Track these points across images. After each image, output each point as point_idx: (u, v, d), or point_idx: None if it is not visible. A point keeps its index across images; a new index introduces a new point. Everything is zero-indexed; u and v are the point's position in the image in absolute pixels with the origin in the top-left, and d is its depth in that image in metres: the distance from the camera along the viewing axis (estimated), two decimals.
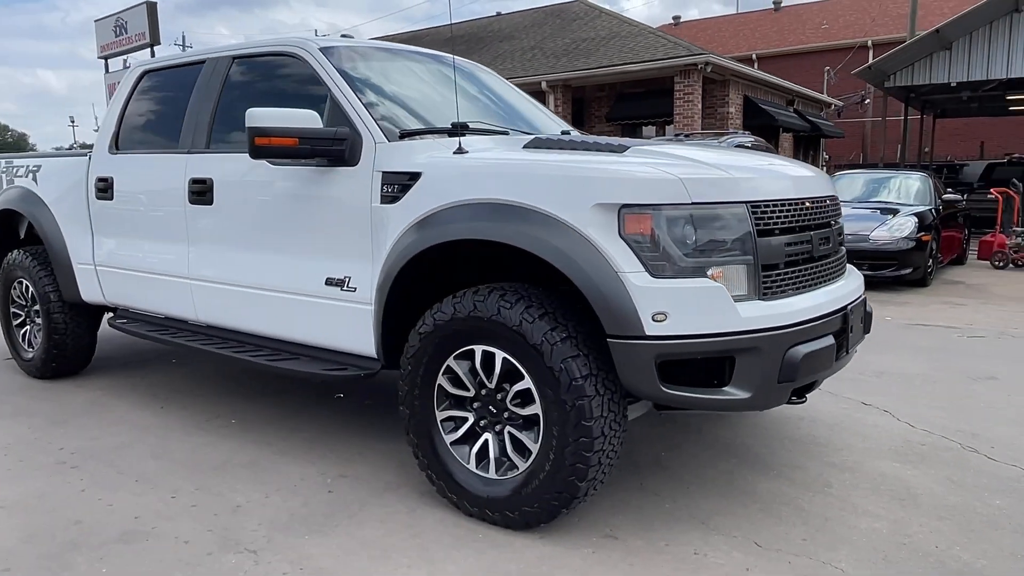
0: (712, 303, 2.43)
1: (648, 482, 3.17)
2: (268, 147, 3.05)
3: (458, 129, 3.13)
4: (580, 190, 2.50)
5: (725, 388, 2.49)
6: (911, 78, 15.32)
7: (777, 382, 2.52)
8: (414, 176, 2.93)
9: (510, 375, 2.67)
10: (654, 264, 2.43)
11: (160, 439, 3.77)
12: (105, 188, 4.29)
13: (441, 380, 2.85)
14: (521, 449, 2.70)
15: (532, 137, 3.20)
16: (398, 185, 2.98)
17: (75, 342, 4.85)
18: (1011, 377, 4.85)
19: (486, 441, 2.79)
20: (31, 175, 4.84)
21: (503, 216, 2.61)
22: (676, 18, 39.37)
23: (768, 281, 2.58)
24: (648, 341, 2.40)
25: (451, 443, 2.87)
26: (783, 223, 2.65)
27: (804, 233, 2.76)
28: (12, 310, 5.10)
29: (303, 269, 3.34)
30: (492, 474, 2.77)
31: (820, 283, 2.84)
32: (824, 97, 24.44)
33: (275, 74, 3.72)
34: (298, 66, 3.53)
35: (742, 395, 2.48)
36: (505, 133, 3.51)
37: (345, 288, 3.19)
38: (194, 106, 3.91)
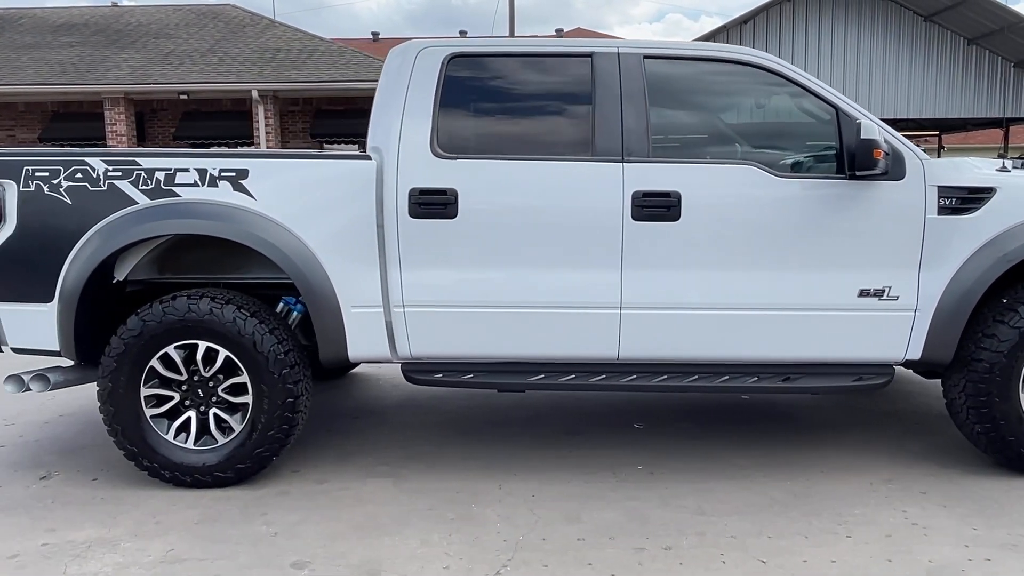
0: None
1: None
2: (880, 160, 3.10)
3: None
4: None
5: None
6: None
7: None
8: (985, 191, 3.31)
9: None
10: None
11: (574, 504, 3.20)
12: (441, 204, 3.29)
13: None
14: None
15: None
16: (957, 199, 3.31)
17: (304, 419, 3.47)
18: None
19: None
20: (227, 183, 3.28)
21: None
22: None
23: None
24: None
25: None
26: None
27: None
28: (153, 391, 3.32)
29: (828, 284, 3.33)
30: None
31: None
32: None
33: (715, 81, 3.55)
34: (754, 76, 3.45)
35: None
36: None
37: (885, 298, 3.34)
38: (606, 109, 3.35)
